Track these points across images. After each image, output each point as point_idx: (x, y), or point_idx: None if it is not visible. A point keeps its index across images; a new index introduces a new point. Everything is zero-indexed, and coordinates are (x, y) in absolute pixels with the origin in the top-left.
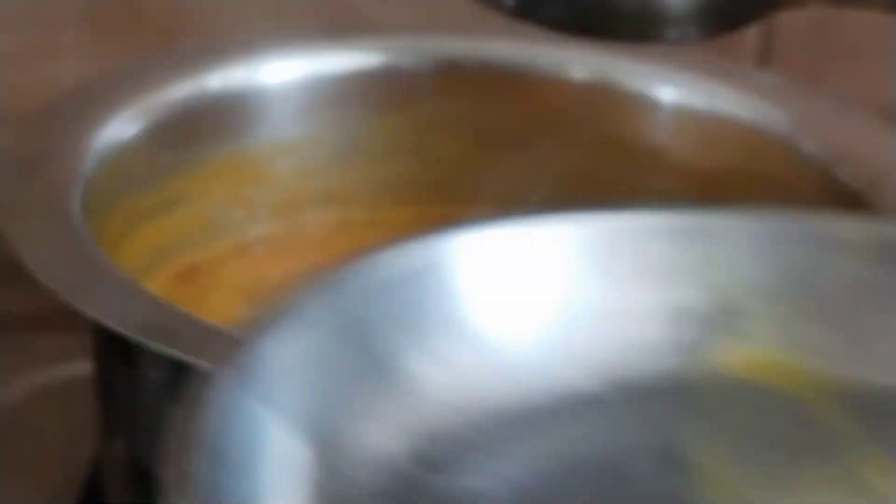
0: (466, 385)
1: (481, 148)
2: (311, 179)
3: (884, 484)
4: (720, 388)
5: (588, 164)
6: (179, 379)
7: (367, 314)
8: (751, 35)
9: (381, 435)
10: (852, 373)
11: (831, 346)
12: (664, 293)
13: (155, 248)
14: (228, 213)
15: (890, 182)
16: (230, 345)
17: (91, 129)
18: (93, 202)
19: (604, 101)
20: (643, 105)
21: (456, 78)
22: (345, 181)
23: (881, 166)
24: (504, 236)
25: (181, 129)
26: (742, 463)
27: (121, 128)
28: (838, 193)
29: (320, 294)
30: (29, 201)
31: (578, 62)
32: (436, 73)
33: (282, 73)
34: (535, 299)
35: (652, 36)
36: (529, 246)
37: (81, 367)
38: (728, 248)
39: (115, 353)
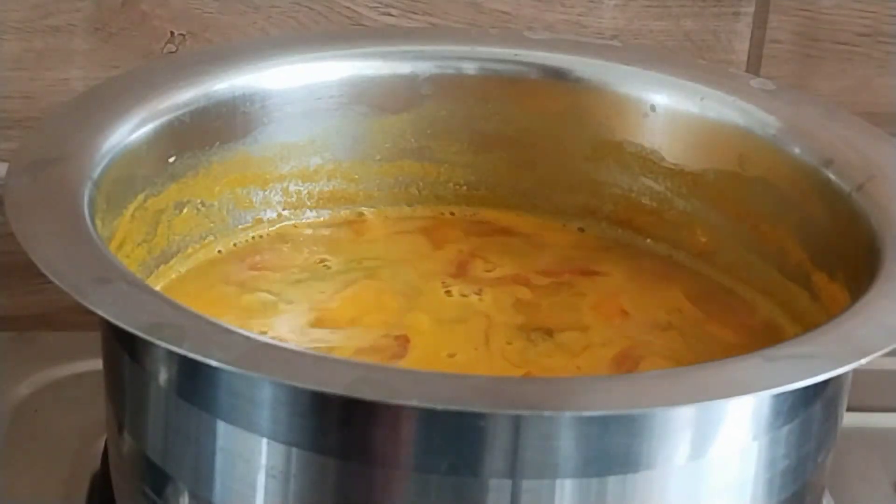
0: None
1: (480, 150)
2: (314, 181)
3: None
4: None
5: (584, 165)
6: (187, 375)
7: None
8: (741, 42)
9: None
10: None
11: None
12: None
13: (162, 247)
14: (234, 214)
15: (878, 183)
16: (235, 341)
17: (100, 133)
18: (102, 203)
19: (600, 104)
20: (638, 109)
21: (456, 82)
22: (347, 182)
23: (869, 168)
24: None
25: (187, 133)
26: None
27: (129, 131)
28: (827, 195)
29: None
30: (40, 202)
31: (576, 67)
32: (436, 77)
33: (285, 77)
34: None
35: None
36: None
37: (90, 364)
38: None
39: (123, 350)
